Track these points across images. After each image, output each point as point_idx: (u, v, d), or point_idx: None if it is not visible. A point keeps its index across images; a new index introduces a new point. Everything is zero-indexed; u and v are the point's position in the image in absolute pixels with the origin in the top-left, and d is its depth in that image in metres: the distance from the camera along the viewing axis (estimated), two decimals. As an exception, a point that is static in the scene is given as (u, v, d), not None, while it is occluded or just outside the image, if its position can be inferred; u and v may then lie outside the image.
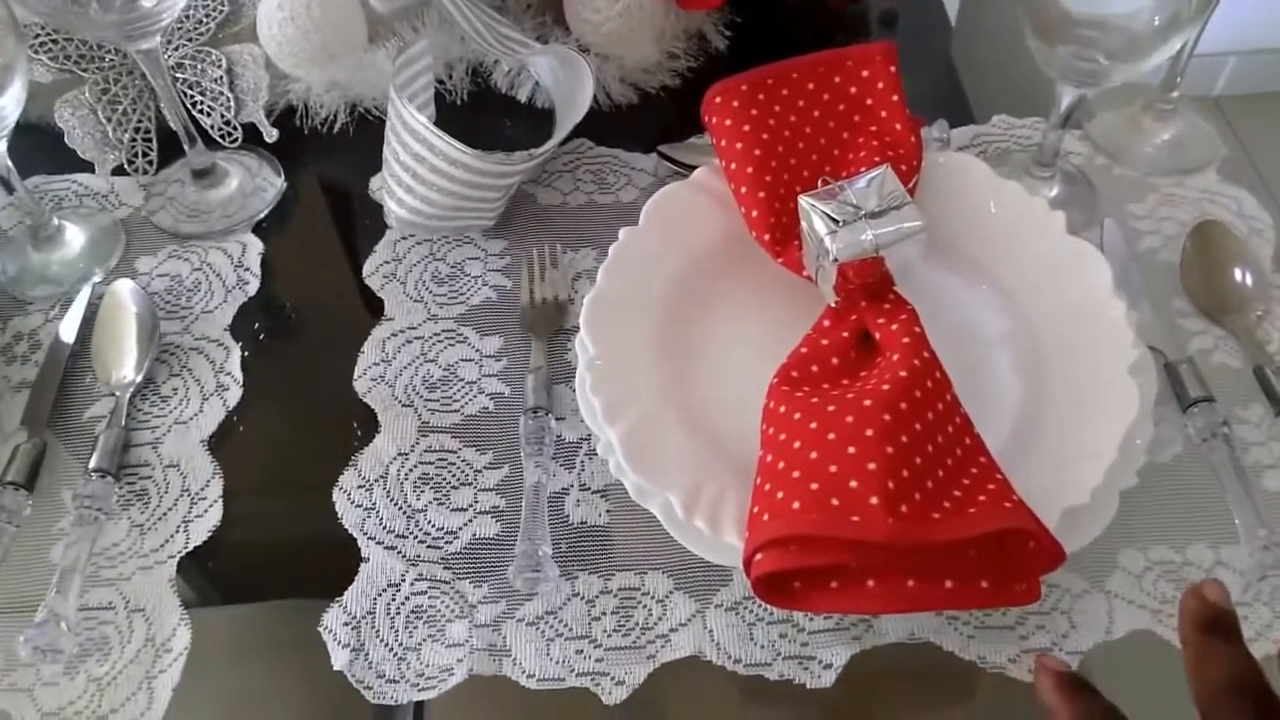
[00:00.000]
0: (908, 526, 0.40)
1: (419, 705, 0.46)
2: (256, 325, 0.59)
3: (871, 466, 0.41)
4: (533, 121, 0.68)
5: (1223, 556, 0.48)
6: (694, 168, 0.58)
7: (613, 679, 0.45)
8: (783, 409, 0.46)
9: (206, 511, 0.51)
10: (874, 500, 0.40)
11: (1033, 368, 0.50)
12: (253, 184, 0.66)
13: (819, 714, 0.45)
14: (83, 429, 0.55)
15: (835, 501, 0.41)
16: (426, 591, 0.48)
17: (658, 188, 0.57)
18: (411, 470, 0.52)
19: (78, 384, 0.56)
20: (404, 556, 0.49)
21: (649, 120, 0.69)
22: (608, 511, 0.50)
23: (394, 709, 0.46)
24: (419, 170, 0.57)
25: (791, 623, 0.47)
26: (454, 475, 0.52)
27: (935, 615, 0.46)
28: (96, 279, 0.61)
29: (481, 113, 0.70)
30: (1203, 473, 0.50)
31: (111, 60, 0.66)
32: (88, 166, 0.66)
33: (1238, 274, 0.57)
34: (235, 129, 0.67)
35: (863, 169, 0.53)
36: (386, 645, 0.46)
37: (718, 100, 0.55)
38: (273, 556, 0.51)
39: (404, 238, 0.62)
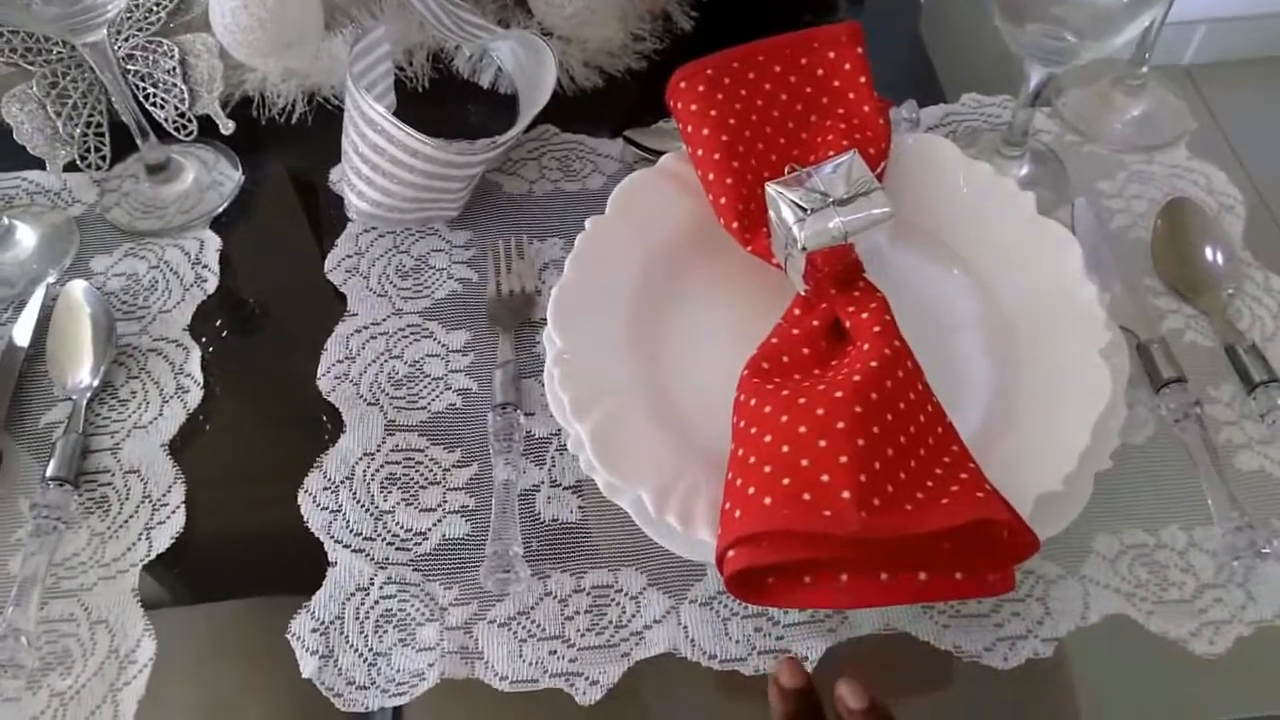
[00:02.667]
0: (880, 520, 0.40)
1: (397, 709, 0.45)
2: (216, 324, 0.58)
3: (843, 460, 0.41)
4: (496, 108, 0.67)
5: (1196, 538, 0.48)
6: (662, 153, 0.57)
7: (587, 679, 0.45)
8: (753, 402, 0.45)
9: (169, 518, 0.50)
10: (846, 494, 0.40)
11: (1004, 352, 0.50)
12: (209, 178, 0.64)
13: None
14: (40, 435, 0.53)
15: (807, 496, 0.40)
16: (396, 595, 0.47)
17: (625, 174, 0.56)
18: (378, 470, 0.51)
19: (33, 389, 0.55)
20: (372, 559, 0.48)
21: (615, 105, 0.68)
22: (580, 508, 0.50)
23: (371, 714, 0.45)
24: (378, 161, 0.55)
25: (767, 617, 0.46)
26: (422, 474, 0.51)
27: (910, 606, 0.46)
28: (50, 280, 0.59)
29: (443, 100, 0.68)
30: (1176, 454, 0.50)
31: (59, 53, 0.64)
32: (38, 163, 0.64)
33: (1208, 252, 0.57)
34: (190, 121, 0.65)
35: (831, 153, 0.52)
36: (356, 651, 0.46)
37: (683, 85, 0.54)
38: (238, 562, 0.50)
39: (366, 230, 0.61)
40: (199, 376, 0.55)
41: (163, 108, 0.65)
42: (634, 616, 0.46)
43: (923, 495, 0.41)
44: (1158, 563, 0.47)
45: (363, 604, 0.47)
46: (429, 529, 0.49)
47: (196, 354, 0.56)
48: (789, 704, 0.39)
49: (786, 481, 0.41)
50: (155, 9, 0.65)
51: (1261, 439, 0.51)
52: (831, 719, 0.39)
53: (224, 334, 0.58)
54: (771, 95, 0.55)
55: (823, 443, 0.42)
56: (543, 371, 0.51)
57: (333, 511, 0.50)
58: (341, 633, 0.46)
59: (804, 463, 0.41)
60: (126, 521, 0.50)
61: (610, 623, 0.46)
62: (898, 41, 0.73)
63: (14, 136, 0.63)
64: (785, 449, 0.42)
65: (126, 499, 0.51)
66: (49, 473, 0.50)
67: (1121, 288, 0.55)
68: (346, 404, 0.53)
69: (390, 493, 0.50)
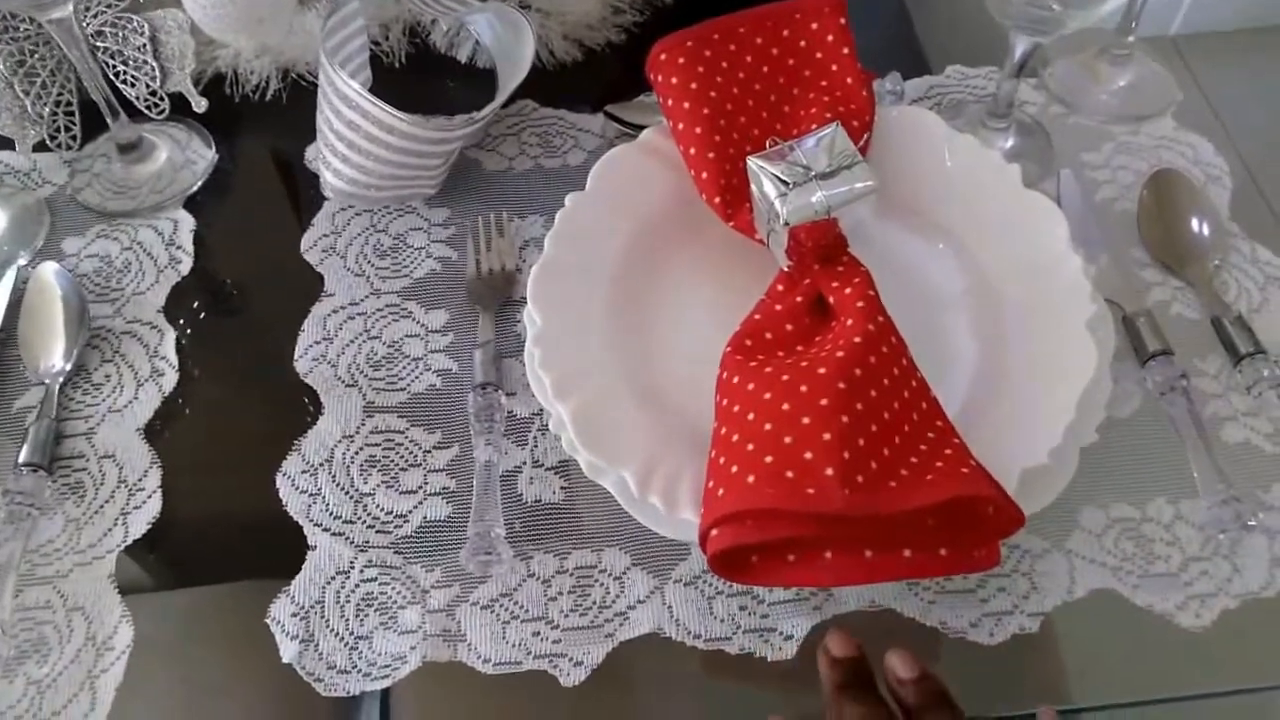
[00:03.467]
0: (864, 497, 0.39)
1: (385, 691, 0.44)
2: (191, 306, 0.57)
3: (826, 437, 0.40)
4: (475, 83, 0.66)
5: (1182, 511, 0.47)
6: (643, 128, 0.56)
7: (571, 660, 0.44)
8: (736, 379, 0.44)
9: (145, 503, 0.49)
10: (829, 471, 0.39)
11: (990, 326, 0.50)
12: (182, 157, 0.63)
13: (781, 686, 0.44)
14: (12, 421, 0.52)
15: (790, 474, 0.40)
16: (377, 578, 0.47)
17: (606, 149, 0.55)
18: (358, 453, 0.50)
19: (6, 374, 0.54)
20: (352, 543, 0.48)
21: (595, 79, 0.67)
22: (562, 488, 0.49)
23: (359, 697, 0.44)
24: (353, 138, 0.54)
25: (751, 595, 0.46)
26: (402, 456, 0.50)
27: (896, 583, 0.46)
28: (21, 262, 0.58)
29: (420, 75, 0.67)
30: (1162, 427, 0.50)
31: (26, 30, 0.62)
32: (7, 143, 0.63)
33: (1194, 224, 0.56)
34: (162, 99, 0.64)
35: (813, 126, 0.51)
36: (337, 635, 0.45)
37: (663, 58, 0.53)
38: (216, 546, 0.49)
39: (343, 209, 0.60)
40: (174, 359, 0.54)
41: (133, 86, 0.64)
42: (618, 597, 0.46)
43: (907, 472, 0.41)
44: (1144, 536, 0.47)
45: (343, 588, 0.46)
46: (410, 511, 0.49)
47: (171, 336, 0.55)
48: (839, 673, 0.39)
49: (769, 459, 0.41)
50: (124, -16, 0.64)
51: (1248, 411, 0.50)
52: (882, 688, 0.39)
53: (199, 316, 0.57)
54: (753, 68, 0.54)
55: (806, 420, 0.41)
56: (524, 351, 0.50)
57: (312, 495, 0.49)
58: (322, 617, 0.46)
59: (787, 440, 0.41)
60: (102, 507, 0.49)
61: (594, 603, 0.46)
62: (881, 12, 0.72)
63: (-19, 117, 0.62)
64: (768, 426, 0.42)
65: (102, 484, 0.50)
66: (22, 458, 0.49)
67: (1107, 260, 0.55)
68: (324, 386, 0.53)
69: (370, 475, 0.50)
